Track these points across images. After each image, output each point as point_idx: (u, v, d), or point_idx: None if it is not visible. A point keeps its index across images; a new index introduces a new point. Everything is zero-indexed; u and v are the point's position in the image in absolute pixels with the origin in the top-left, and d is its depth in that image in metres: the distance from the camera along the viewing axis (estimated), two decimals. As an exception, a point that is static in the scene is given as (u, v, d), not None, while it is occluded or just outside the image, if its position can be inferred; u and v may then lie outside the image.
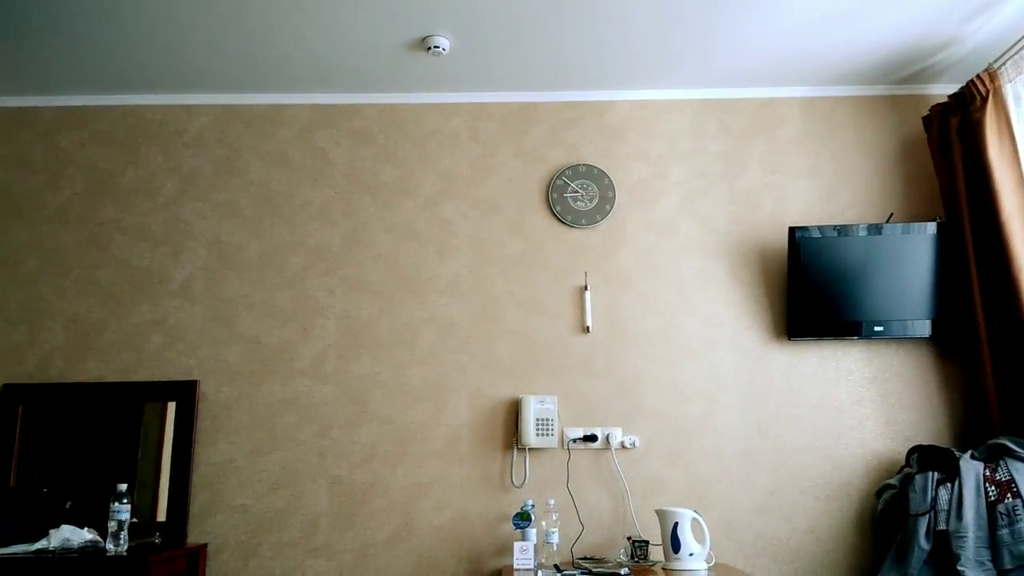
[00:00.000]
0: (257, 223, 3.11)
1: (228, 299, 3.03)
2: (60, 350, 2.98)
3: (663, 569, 2.55)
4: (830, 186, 3.16)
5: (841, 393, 2.97)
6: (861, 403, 2.96)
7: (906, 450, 2.83)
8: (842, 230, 2.93)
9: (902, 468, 2.79)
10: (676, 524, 2.55)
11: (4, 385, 2.90)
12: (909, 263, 2.90)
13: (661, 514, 2.59)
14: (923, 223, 2.92)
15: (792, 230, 2.94)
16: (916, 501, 2.61)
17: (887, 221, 3.06)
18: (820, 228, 2.94)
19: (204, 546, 2.77)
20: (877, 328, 2.89)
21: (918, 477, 2.65)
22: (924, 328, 2.88)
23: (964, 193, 2.87)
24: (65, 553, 2.44)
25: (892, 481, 2.76)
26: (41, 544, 2.51)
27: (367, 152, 3.18)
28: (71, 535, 2.53)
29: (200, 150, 3.17)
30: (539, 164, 3.18)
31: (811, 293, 2.93)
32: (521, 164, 3.18)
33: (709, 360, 3.01)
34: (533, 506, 2.72)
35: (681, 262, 3.10)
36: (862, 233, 2.93)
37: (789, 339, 2.98)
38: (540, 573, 2.45)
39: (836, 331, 2.92)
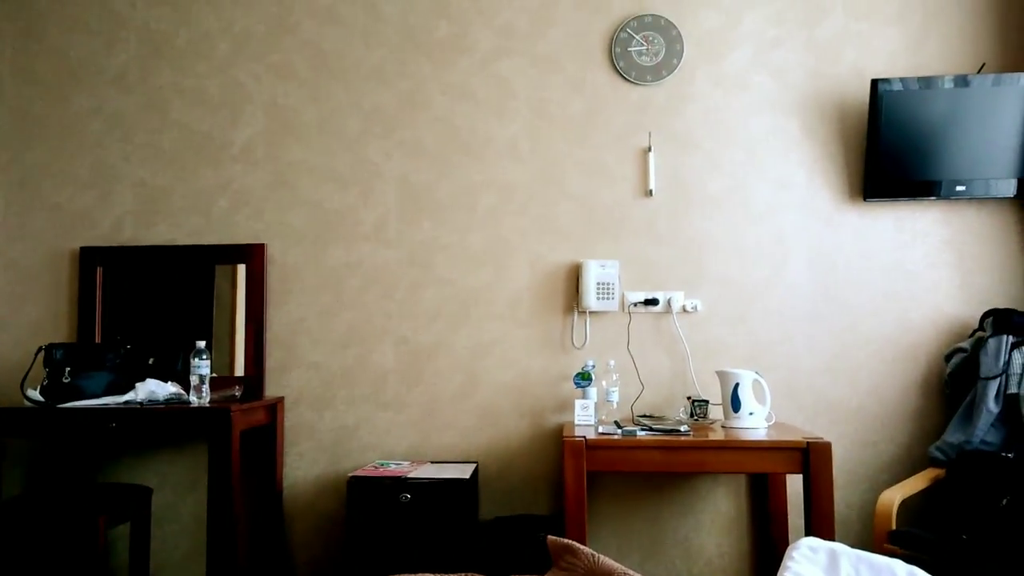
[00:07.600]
0: (312, 85, 3.04)
1: (289, 163, 3.03)
2: (131, 214, 3.05)
3: (722, 427, 2.59)
4: (918, 34, 2.92)
5: (916, 255, 2.87)
6: (936, 266, 2.86)
7: (980, 314, 2.75)
8: (927, 82, 2.74)
9: (974, 332, 2.73)
10: (737, 384, 2.56)
11: (81, 248, 3.00)
12: (998, 117, 2.72)
13: (722, 375, 2.60)
14: (1017, 73, 2.71)
15: (875, 83, 2.75)
16: (988, 364, 2.57)
17: (978, 72, 2.84)
18: (903, 80, 2.75)
19: (281, 399, 2.91)
20: (959, 188, 2.75)
21: (991, 340, 2.59)
22: (1009, 187, 2.73)
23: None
24: (152, 405, 2.56)
25: (963, 345, 2.70)
26: (129, 396, 2.61)
27: (421, 5, 3.04)
28: (156, 388, 2.63)
29: (251, 8, 3.07)
30: (602, 15, 3.00)
31: (891, 151, 2.77)
32: (584, 16, 3.00)
33: (777, 223, 2.92)
34: (593, 366, 2.77)
35: (751, 120, 2.95)
36: (948, 85, 2.73)
37: (864, 200, 2.85)
38: (600, 428, 2.52)
39: (914, 191, 2.79)
